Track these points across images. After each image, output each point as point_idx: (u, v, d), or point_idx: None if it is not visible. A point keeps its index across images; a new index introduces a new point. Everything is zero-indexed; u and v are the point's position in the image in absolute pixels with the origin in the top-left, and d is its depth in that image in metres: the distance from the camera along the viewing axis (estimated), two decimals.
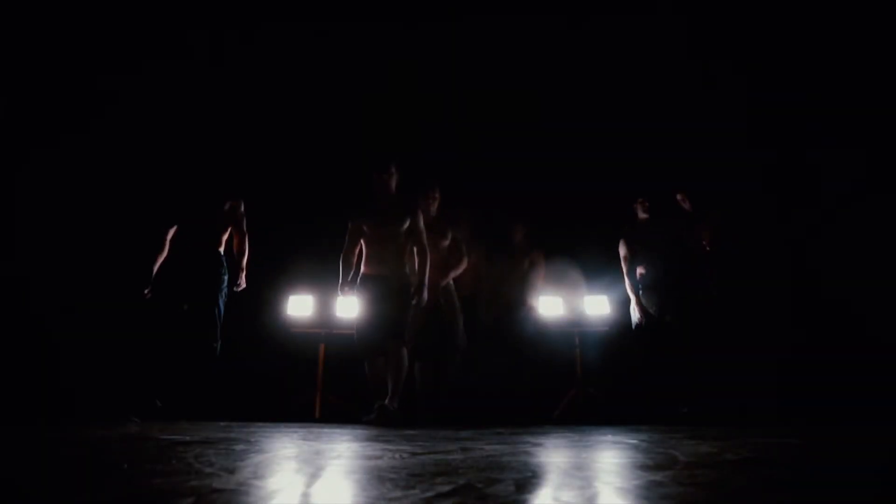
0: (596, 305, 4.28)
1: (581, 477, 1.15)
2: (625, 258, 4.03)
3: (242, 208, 3.62)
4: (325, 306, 4.12)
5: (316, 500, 0.89)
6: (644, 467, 1.27)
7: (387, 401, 3.13)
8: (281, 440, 1.92)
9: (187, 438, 1.89)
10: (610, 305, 4.25)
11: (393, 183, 3.44)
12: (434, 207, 3.88)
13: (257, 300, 4.42)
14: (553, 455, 1.56)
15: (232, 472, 1.12)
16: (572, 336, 4.31)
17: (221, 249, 3.57)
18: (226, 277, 3.52)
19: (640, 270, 3.95)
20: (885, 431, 2.55)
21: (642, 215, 4.08)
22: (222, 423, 2.88)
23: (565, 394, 4.15)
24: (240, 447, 1.61)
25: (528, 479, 1.08)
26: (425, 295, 3.35)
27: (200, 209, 3.55)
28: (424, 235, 3.44)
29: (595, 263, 4.37)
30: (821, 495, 1.00)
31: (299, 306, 4.14)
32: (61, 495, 0.92)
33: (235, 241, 3.60)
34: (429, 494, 0.90)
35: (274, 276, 4.38)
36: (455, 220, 4.00)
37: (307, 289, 4.17)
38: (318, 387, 4.05)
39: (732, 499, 0.94)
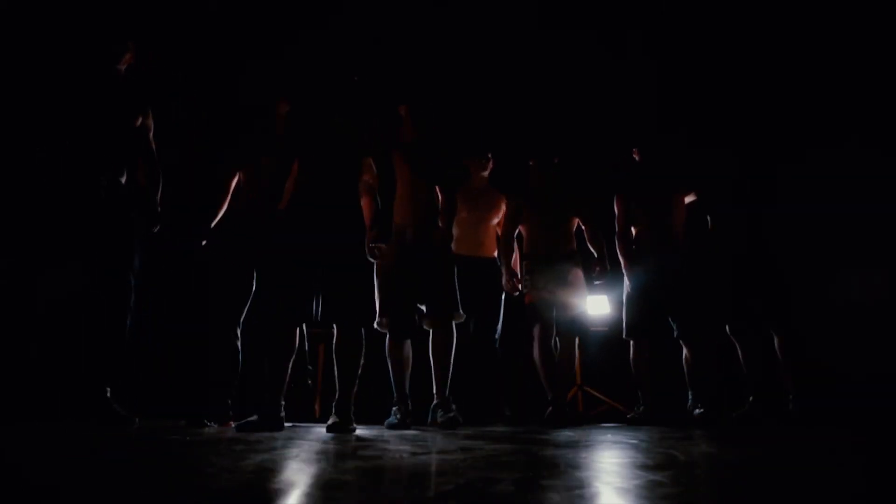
0: (596, 305, 4.29)
1: (581, 477, 1.15)
2: (617, 218, 3.37)
3: (150, 119, 2.61)
4: None
5: (316, 500, 0.89)
6: (644, 467, 1.27)
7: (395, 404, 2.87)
8: (281, 440, 1.92)
9: (187, 438, 1.90)
10: (610, 305, 4.24)
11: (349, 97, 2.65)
12: (486, 173, 3.52)
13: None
14: (553, 455, 1.56)
15: (232, 472, 1.12)
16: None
17: (123, 179, 2.57)
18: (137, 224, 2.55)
19: (634, 230, 3.35)
20: (888, 433, 2.55)
21: (636, 159, 3.48)
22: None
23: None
24: (240, 447, 1.61)
25: (529, 479, 1.08)
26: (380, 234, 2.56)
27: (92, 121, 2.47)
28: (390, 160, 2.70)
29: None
30: (820, 496, 1.00)
31: None
32: (60, 495, 0.92)
33: (142, 172, 2.64)
34: (429, 494, 0.90)
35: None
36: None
37: None
38: (317, 387, 4.05)
39: (732, 499, 0.94)
